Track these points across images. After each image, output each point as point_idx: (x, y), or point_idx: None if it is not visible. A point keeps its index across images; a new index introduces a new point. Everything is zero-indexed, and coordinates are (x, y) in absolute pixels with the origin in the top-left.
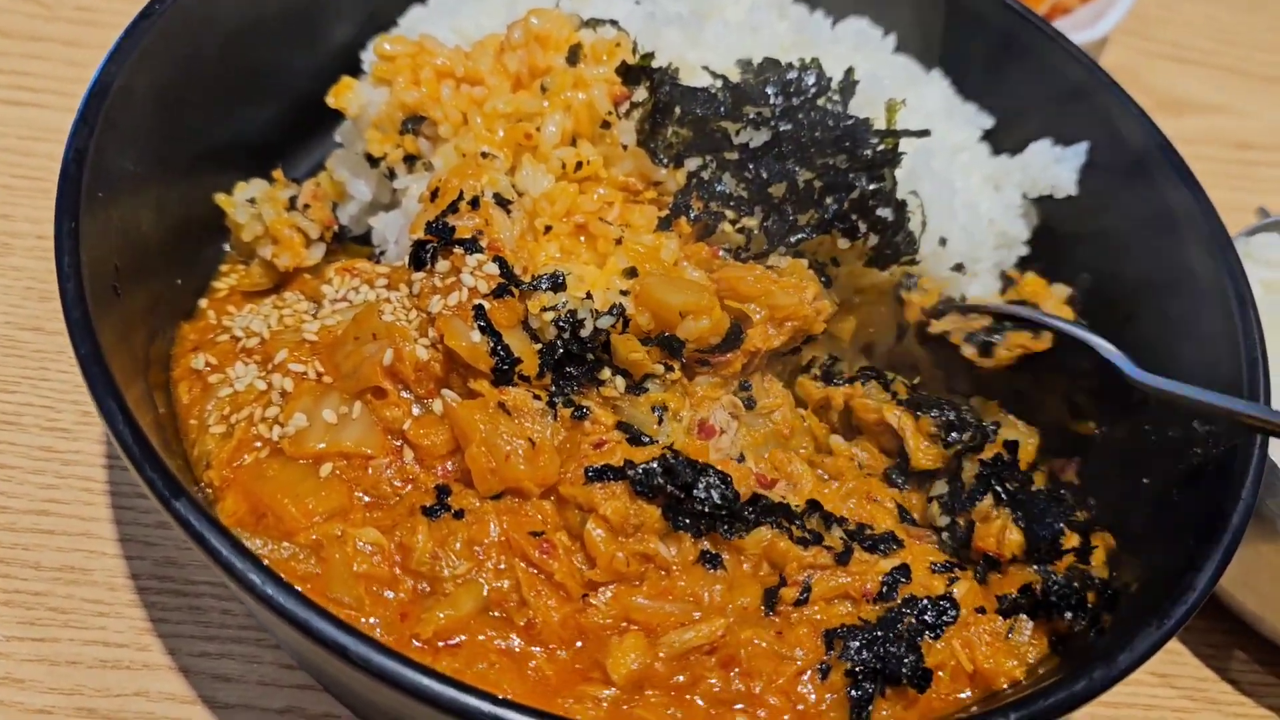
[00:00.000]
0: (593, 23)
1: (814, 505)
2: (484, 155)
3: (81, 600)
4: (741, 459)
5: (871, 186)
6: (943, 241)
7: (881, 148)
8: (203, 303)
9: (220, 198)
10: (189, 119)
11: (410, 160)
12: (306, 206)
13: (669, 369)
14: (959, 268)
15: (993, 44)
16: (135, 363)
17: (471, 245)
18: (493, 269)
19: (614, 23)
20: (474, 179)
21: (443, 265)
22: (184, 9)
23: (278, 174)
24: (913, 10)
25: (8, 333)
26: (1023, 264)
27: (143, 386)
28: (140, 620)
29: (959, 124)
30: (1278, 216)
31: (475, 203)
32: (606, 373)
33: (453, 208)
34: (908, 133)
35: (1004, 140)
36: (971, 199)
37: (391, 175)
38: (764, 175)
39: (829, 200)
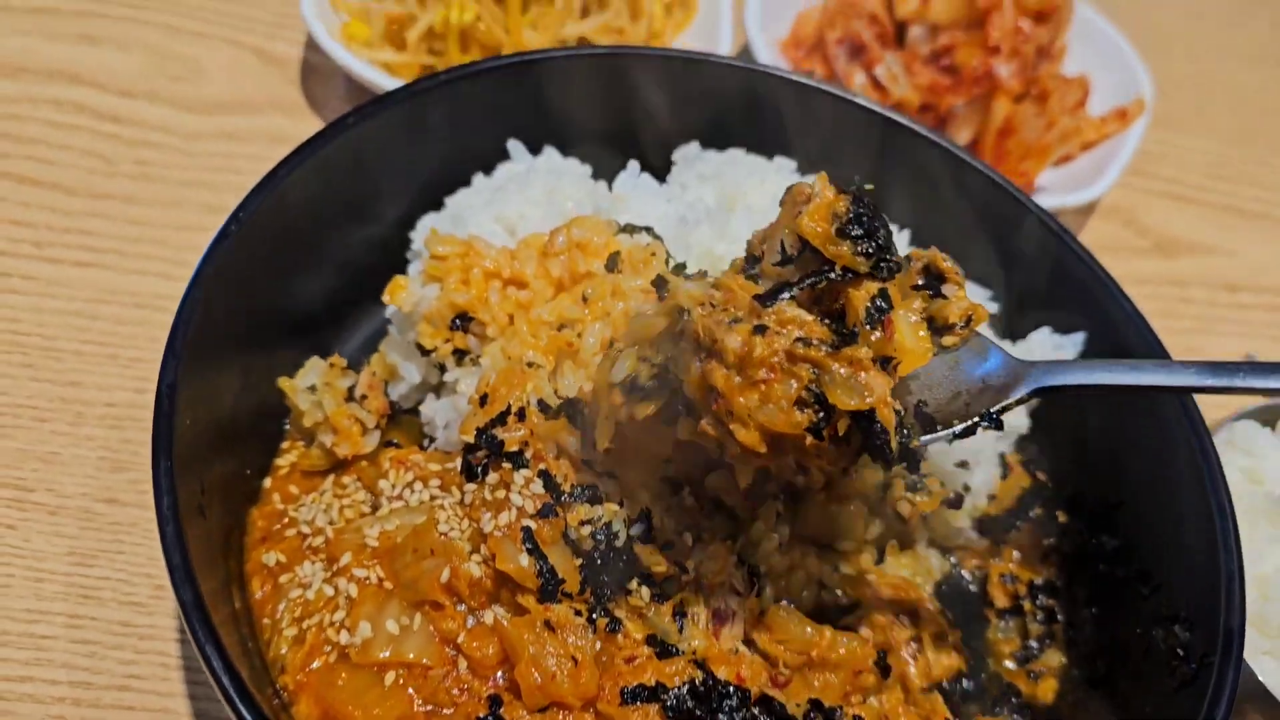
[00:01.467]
0: (629, 229)
1: (817, 706)
2: (529, 364)
3: None
4: (750, 643)
5: None
6: (946, 445)
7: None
8: (267, 482)
9: (284, 383)
10: (256, 308)
11: (459, 354)
12: (364, 397)
13: (684, 570)
14: (963, 464)
15: (998, 232)
16: (215, 564)
17: (518, 460)
18: (538, 487)
19: (649, 230)
20: (519, 389)
21: (492, 478)
22: (259, 217)
23: (335, 360)
24: (923, 197)
25: (84, 504)
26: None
27: (222, 579)
28: None
29: None
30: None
31: (521, 414)
32: (634, 581)
33: (501, 419)
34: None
35: (1003, 324)
36: None
37: (442, 368)
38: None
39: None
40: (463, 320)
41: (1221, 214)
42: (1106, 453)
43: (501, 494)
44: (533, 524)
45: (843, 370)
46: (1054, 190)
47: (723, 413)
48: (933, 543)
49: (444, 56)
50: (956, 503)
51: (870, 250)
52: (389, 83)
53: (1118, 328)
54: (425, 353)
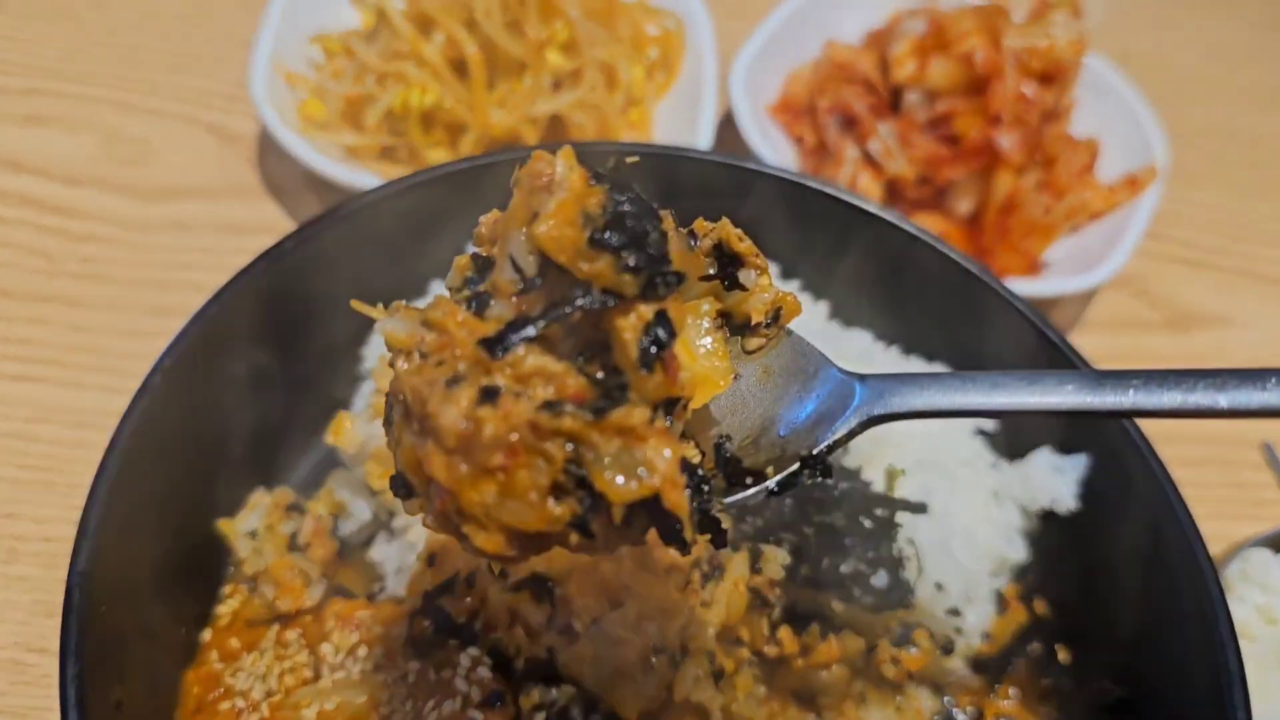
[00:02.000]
0: None
1: None
2: None
3: None
4: None
5: (869, 554)
6: (939, 586)
7: (880, 514)
8: (206, 635)
9: (224, 526)
10: (197, 436)
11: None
12: (308, 545)
13: None
14: (954, 611)
15: (1000, 345)
16: None
17: (467, 633)
18: (484, 674)
19: None
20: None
21: (437, 655)
22: (202, 342)
23: (280, 496)
24: (916, 312)
25: (14, 655)
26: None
27: None
28: None
29: (963, 431)
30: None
31: (471, 580)
32: None
33: (449, 586)
34: (907, 505)
35: (1000, 442)
36: (971, 527)
37: (390, 513)
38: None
39: (824, 563)
40: None
41: (1239, 280)
42: (1109, 586)
43: (447, 674)
44: (479, 716)
45: (612, 445)
46: (1060, 267)
47: (450, 511)
48: (923, 680)
49: (405, 138)
50: (948, 648)
51: (639, 263)
52: (345, 174)
53: (1119, 455)
54: (374, 492)
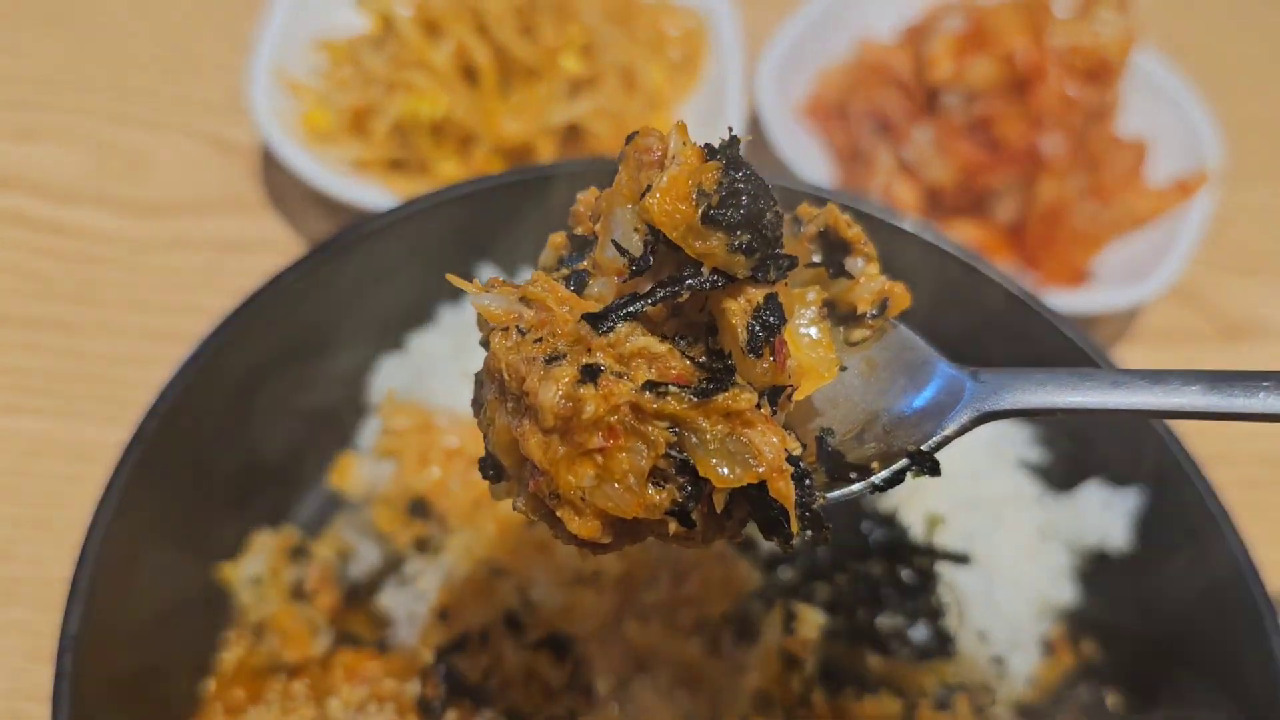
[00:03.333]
0: None
1: None
2: (496, 573)
3: None
4: None
5: (908, 605)
6: (982, 636)
7: (920, 564)
8: (210, 686)
9: (226, 570)
10: (199, 474)
11: (420, 542)
12: (314, 592)
13: None
14: (998, 660)
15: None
16: None
17: (480, 695)
18: None
19: None
20: (485, 604)
21: (450, 716)
22: (203, 378)
23: (285, 537)
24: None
25: (12, 705)
26: None
27: None
28: None
29: (1006, 465)
30: None
31: (485, 637)
32: None
33: (462, 643)
34: (949, 555)
35: (1046, 476)
36: (1016, 571)
37: (400, 557)
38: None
39: (859, 615)
40: (421, 506)
41: None
42: (1162, 627)
43: None
44: None
45: (717, 429)
46: (1108, 277)
47: (544, 494)
48: None
49: (414, 151)
50: (987, 706)
51: (752, 244)
52: (350, 191)
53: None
54: (384, 535)
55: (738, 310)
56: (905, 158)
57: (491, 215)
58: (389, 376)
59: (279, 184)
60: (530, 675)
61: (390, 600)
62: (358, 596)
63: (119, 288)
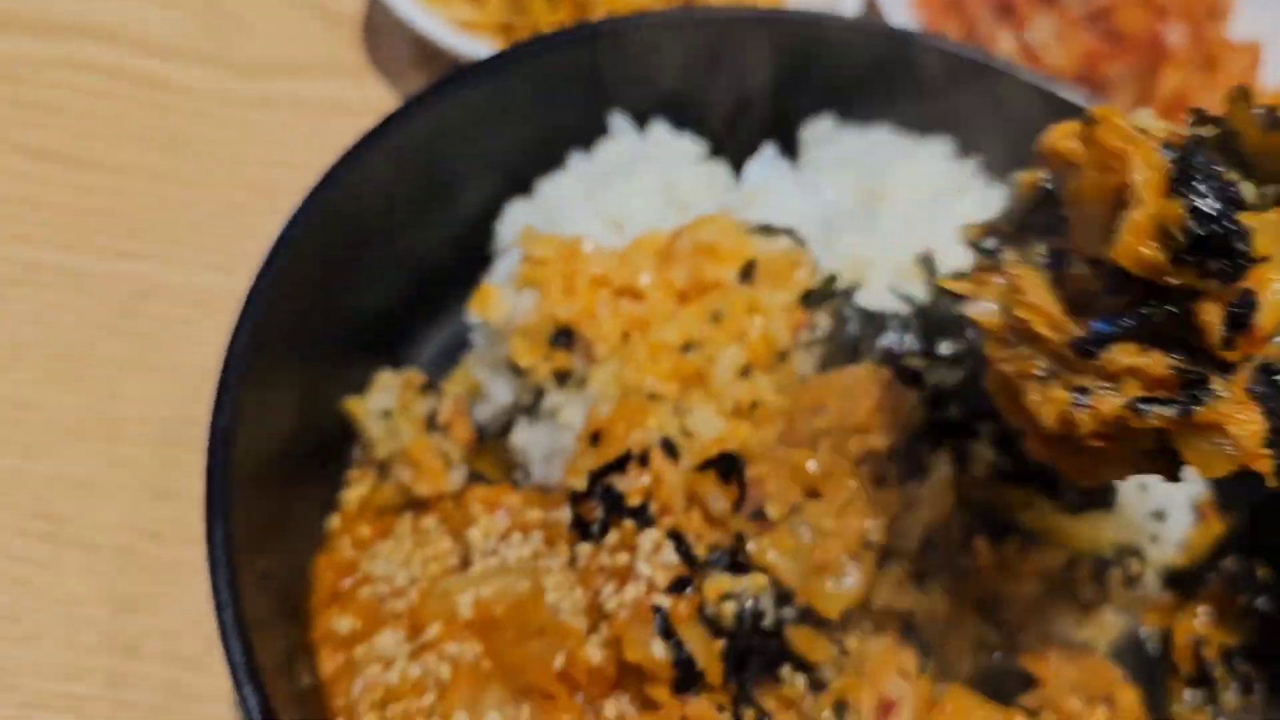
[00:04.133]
0: (766, 230)
1: None
2: (651, 396)
3: None
4: None
5: None
6: (1143, 487)
7: None
8: (334, 522)
9: (351, 405)
10: (318, 317)
11: (561, 375)
12: (447, 425)
13: (844, 651)
14: (1158, 515)
15: None
16: (278, 634)
17: (642, 516)
18: (670, 557)
19: (790, 232)
20: (640, 426)
21: (611, 538)
22: (325, 213)
23: (411, 376)
24: None
25: (124, 541)
26: None
27: (286, 650)
28: None
29: None
30: None
31: (644, 459)
32: (787, 669)
33: (619, 465)
34: None
35: None
36: None
37: (538, 390)
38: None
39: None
40: (565, 336)
41: None
42: None
43: (624, 559)
44: (665, 601)
45: (1199, 436)
46: None
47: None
48: (1116, 601)
49: (528, 15)
50: (1138, 576)
51: (1226, 269)
52: (465, 45)
53: None
54: (519, 372)
55: (1212, 312)
56: (1029, 40)
57: (619, 61)
58: (517, 220)
59: (382, 51)
60: (693, 499)
61: (523, 439)
62: (485, 439)
63: (221, 144)
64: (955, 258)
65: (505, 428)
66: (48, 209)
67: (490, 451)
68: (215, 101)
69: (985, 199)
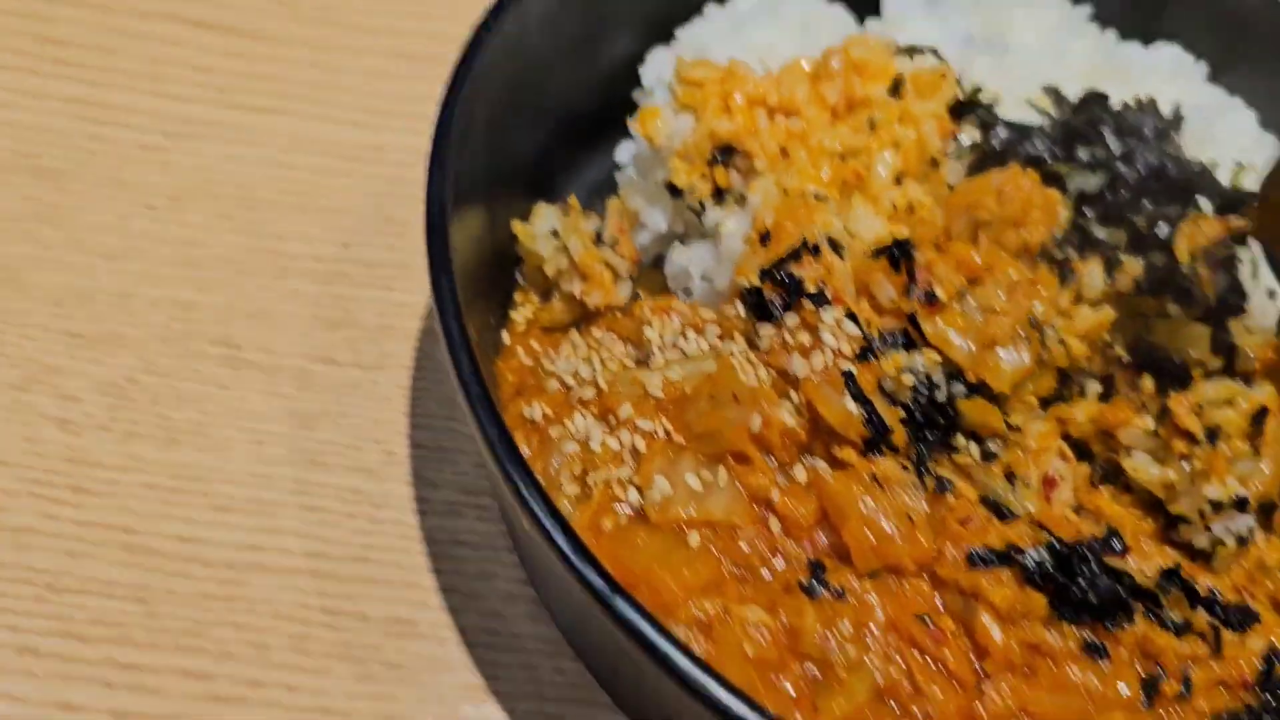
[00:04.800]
0: (910, 50)
1: (1170, 576)
2: (816, 198)
3: (414, 654)
4: (1079, 509)
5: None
6: (1271, 294)
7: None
8: (505, 337)
9: (518, 227)
10: (483, 155)
11: (719, 193)
12: (615, 241)
13: (1013, 428)
14: None
15: None
16: None
17: (820, 299)
18: (853, 328)
19: (934, 51)
20: (808, 223)
21: (791, 319)
22: (486, 63)
23: (572, 202)
24: (1214, 29)
25: (300, 364)
26: None
27: None
28: (474, 678)
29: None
30: None
31: (815, 249)
32: (960, 439)
33: (793, 256)
34: (1251, 195)
35: None
36: None
37: (697, 211)
38: (1094, 228)
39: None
40: (725, 153)
41: None
42: None
43: (806, 337)
44: (853, 368)
45: None
46: None
47: None
48: None
49: None
50: None
51: None
52: None
53: None
54: (675, 194)
55: None
56: None
57: None
58: (661, 65)
59: None
60: (863, 289)
61: (683, 258)
62: (644, 265)
63: (358, 13)
64: (1075, 86)
65: (658, 258)
66: (208, 72)
67: (644, 280)
68: None
69: (1105, 45)
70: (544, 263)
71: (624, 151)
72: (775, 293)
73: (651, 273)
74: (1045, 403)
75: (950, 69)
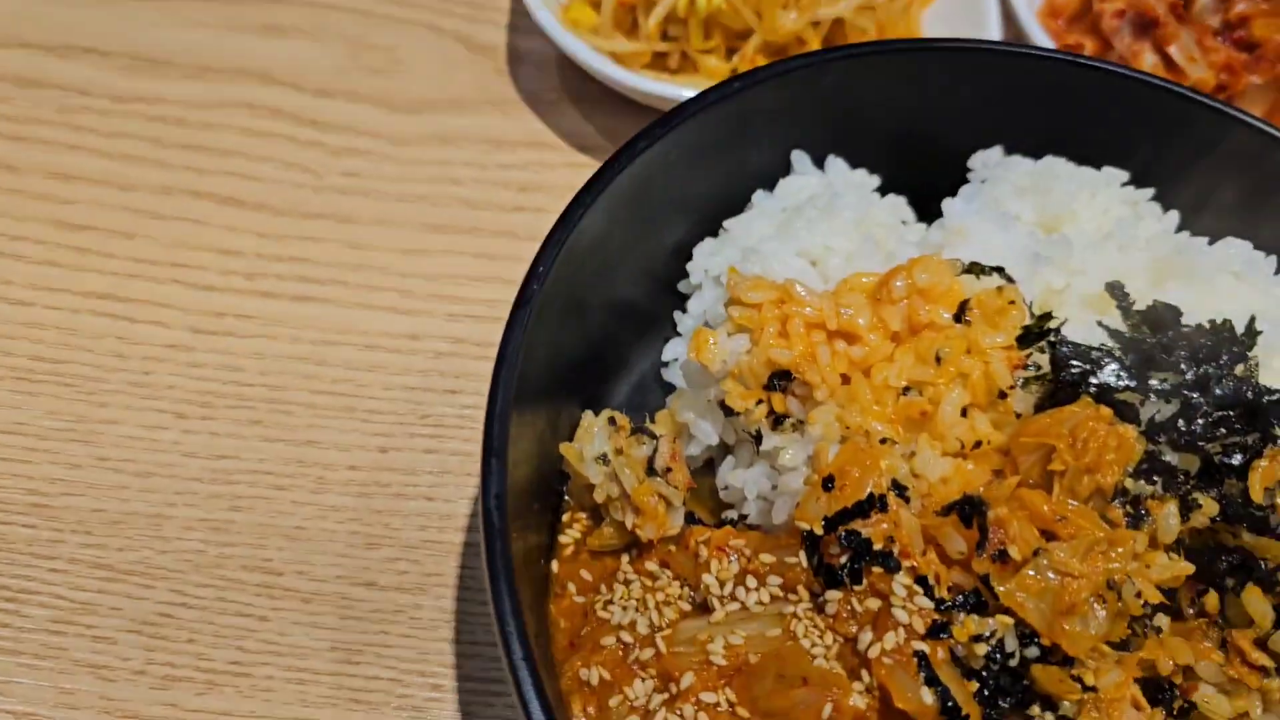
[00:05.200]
0: (976, 269)
1: None
2: (882, 441)
3: None
4: None
5: None
6: None
7: None
8: (554, 567)
9: (567, 450)
10: (537, 363)
11: (776, 418)
12: (667, 470)
13: (1088, 689)
14: None
15: None
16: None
17: (889, 561)
18: (925, 601)
19: (1000, 270)
20: (874, 470)
21: (861, 583)
22: (555, 269)
23: (620, 420)
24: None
25: (340, 589)
26: None
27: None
28: None
29: None
30: None
31: (883, 503)
32: (1035, 708)
33: (861, 509)
34: None
35: None
36: None
37: (755, 435)
38: (1166, 452)
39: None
40: (783, 379)
41: None
42: None
43: (875, 605)
44: (924, 647)
45: None
46: None
47: None
48: None
49: (681, 43)
50: None
51: None
52: (620, 74)
53: None
54: (729, 414)
55: None
56: (1173, 54)
57: (799, 99)
58: (709, 259)
59: (532, 84)
60: (930, 542)
61: (738, 479)
62: (696, 478)
63: (388, 181)
64: (1140, 282)
65: (706, 467)
66: (236, 256)
67: (695, 495)
68: (378, 140)
69: (1172, 239)
70: (592, 489)
71: (671, 349)
72: (842, 552)
73: (701, 476)
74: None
75: (1018, 293)
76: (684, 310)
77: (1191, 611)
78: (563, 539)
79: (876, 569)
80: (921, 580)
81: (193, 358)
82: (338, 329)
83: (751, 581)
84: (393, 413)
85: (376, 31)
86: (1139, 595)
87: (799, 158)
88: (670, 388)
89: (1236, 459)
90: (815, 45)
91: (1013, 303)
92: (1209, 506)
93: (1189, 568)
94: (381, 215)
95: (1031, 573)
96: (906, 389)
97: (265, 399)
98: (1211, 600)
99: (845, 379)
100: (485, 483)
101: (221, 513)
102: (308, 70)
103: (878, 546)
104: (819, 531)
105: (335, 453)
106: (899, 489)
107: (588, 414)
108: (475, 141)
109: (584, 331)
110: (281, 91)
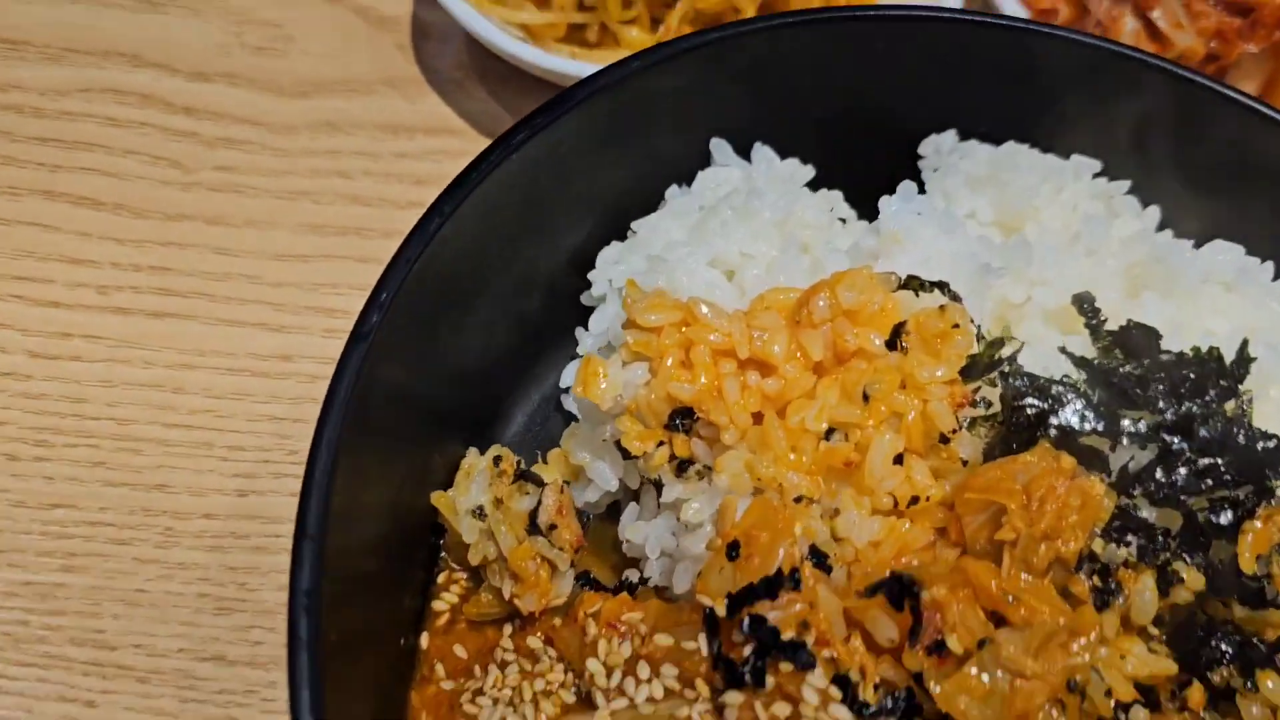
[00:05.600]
0: (914, 284)
1: None
2: (797, 500)
3: None
4: None
5: None
6: None
7: None
8: (423, 642)
9: (439, 501)
10: (401, 390)
11: (680, 463)
12: (553, 528)
13: None
14: None
15: None
16: None
17: (799, 655)
18: (840, 711)
19: (944, 286)
20: (786, 535)
21: (767, 683)
22: (413, 276)
23: (505, 459)
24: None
25: (183, 665)
26: None
27: None
28: None
29: None
30: None
31: (795, 578)
32: None
33: (768, 588)
34: None
35: None
36: None
37: (656, 484)
38: (1142, 507)
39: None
40: (685, 417)
41: None
42: None
43: (784, 712)
44: None
45: None
46: None
47: None
48: None
49: (599, 13)
50: None
51: None
52: (527, 52)
53: None
54: (627, 457)
55: None
56: (1155, 19)
57: (715, 78)
58: (613, 267)
59: (437, 61)
60: (854, 627)
61: (639, 533)
62: (590, 523)
63: (267, 175)
64: (1113, 293)
65: (608, 514)
66: (89, 266)
67: (595, 546)
68: (259, 128)
69: (1153, 242)
70: (468, 550)
71: (569, 374)
72: (745, 641)
73: (602, 525)
74: None
75: (965, 313)
76: (586, 328)
77: (1173, 706)
78: (437, 604)
79: (785, 665)
80: (841, 680)
81: (29, 387)
82: (198, 349)
83: (644, 670)
84: (257, 448)
85: (263, 4)
86: (1109, 694)
87: (719, 146)
88: (573, 416)
89: (1225, 518)
90: (749, 13)
91: (957, 326)
92: (1193, 579)
93: (1172, 668)
94: (255, 215)
95: (975, 670)
96: (829, 432)
97: (111, 434)
98: (1196, 694)
99: (758, 418)
100: (295, 575)
101: (50, 574)
102: (184, 50)
103: (788, 635)
104: (721, 612)
105: (187, 498)
106: (818, 557)
107: (471, 452)
108: (369, 128)
109: (459, 358)
110: (153, 75)
